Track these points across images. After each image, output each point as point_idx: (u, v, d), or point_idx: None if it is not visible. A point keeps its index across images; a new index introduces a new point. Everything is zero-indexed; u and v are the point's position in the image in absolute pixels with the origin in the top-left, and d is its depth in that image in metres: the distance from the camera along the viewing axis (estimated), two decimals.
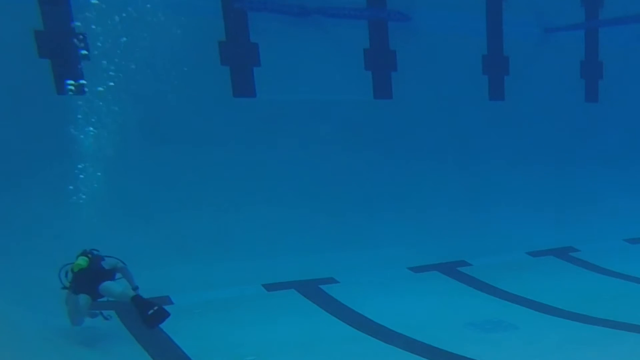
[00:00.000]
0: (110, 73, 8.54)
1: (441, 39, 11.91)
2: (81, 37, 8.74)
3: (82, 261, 7.46)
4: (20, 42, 8.95)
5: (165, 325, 7.98)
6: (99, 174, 8.89)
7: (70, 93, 8.67)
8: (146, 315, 7.25)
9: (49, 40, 8.92)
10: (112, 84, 8.44)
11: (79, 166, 8.78)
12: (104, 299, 7.50)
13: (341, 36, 11.22)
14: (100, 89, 8.36)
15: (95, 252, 7.69)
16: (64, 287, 7.44)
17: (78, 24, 8.70)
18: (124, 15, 8.76)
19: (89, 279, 7.38)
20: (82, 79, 8.67)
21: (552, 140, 13.16)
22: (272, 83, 10.79)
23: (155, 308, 7.30)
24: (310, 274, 9.98)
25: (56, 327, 7.45)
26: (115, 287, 7.48)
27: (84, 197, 8.50)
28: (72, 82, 8.66)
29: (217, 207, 10.26)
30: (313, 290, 9.58)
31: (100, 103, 8.26)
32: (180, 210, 9.96)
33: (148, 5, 9.61)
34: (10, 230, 8.57)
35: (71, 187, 8.72)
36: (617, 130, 13.72)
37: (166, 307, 8.62)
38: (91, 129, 8.24)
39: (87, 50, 8.82)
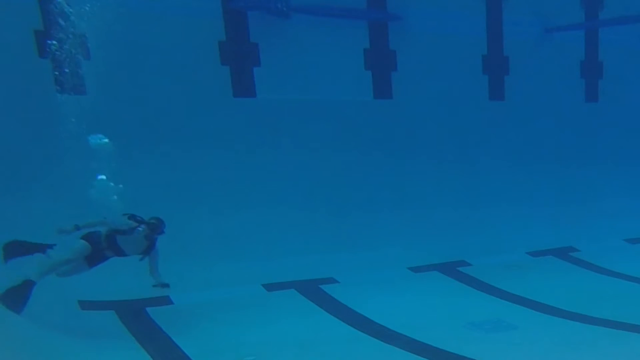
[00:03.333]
0: (110, 73, 8.54)
1: (441, 39, 11.91)
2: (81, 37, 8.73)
3: None
4: (21, 42, 8.96)
5: (165, 325, 8.02)
6: (98, 174, 8.89)
7: (70, 93, 8.66)
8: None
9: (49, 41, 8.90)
10: (111, 83, 8.44)
11: (79, 166, 8.77)
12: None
13: (341, 36, 11.22)
14: (100, 89, 8.36)
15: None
16: None
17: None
18: (122, 15, 8.76)
19: None
20: (82, 79, 8.66)
21: (552, 140, 13.16)
22: (272, 83, 10.79)
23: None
24: (310, 274, 9.98)
25: (56, 327, 7.45)
26: None
27: (83, 197, 8.48)
28: (71, 81, 8.65)
29: (217, 207, 10.26)
30: (313, 290, 9.58)
31: (100, 103, 8.26)
32: (180, 210, 9.94)
33: (147, 6, 9.63)
34: (10, 230, 8.56)
35: (71, 187, 8.72)
36: (617, 130, 13.73)
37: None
38: (90, 129, 8.22)
39: (87, 50, 8.81)
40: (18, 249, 7.74)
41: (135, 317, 8.30)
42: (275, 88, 10.83)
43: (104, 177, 8.09)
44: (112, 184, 8.03)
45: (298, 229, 10.55)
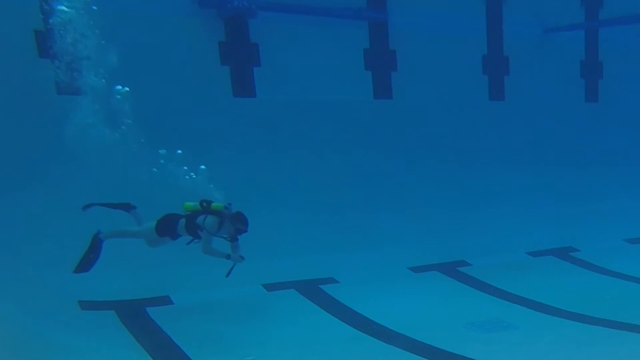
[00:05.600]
0: (110, 73, 8.52)
1: (442, 39, 11.91)
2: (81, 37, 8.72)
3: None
4: (21, 41, 8.96)
5: (165, 325, 8.02)
6: (98, 174, 8.89)
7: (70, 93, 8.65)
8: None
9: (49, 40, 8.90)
10: (111, 83, 8.43)
11: (79, 167, 8.78)
12: None
13: (341, 36, 11.22)
14: (100, 88, 8.35)
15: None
16: None
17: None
18: (122, 15, 8.75)
19: None
20: (82, 78, 8.65)
21: (552, 140, 13.16)
22: (272, 83, 10.79)
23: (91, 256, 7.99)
24: (310, 274, 9.97)
25: (55, 327, 7.45)
26: None
27: (84, 197, 8.48)
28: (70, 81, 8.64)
29: None
30: (313, 290, 9.57)
31: (100, 103, 8.25)
32: (179, 210, 9.94)
33: (147, 6, 9.63)
34: (11, 231, 8.57)
35: (71, 187, 8.72)
36: (617, 130, 13.72)
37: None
38: (90, 129, 8.23)
39: (87, 50, 8.80)
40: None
41: (135, 317, 8.29)
42: (275, 88, 10.83)
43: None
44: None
45: (298, 229, 10.54)
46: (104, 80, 8.22)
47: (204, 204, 8.03)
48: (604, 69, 13.69)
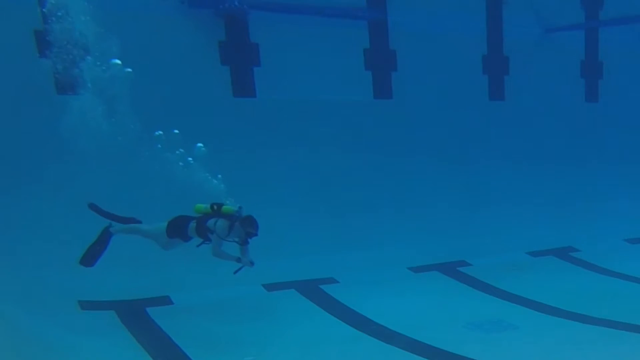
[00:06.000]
0: (110, 72, 8.53)
1: (441, 39, 11.91)
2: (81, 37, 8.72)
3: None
4: (21, 42, 8.96)
5: (165, 325, 8.02)
6: (97, 174, 8.89)
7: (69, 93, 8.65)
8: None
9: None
10: (111, 83, 8.43)
11: (79, 166, 8.77)
12: None
13: (341, 36, 11.22)
14: (100, 88, 8.35)
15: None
16: None
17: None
18: (122, 15, 8.75)
19: None
20: (82, 78, 8.66)
21: (552, 140, 13.16)
22: (272, 83, 10.79)
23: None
24: (310, 274, 9.98)
25: (55, 327, 7.45)
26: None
27: (84, 197, 8.47)
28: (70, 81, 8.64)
29: None
30: (313, 290, 9.57)
31: (99, 103, 8.25)
32: (180, 211, 9.93)
33: (147, 6, 9.63)
34: (11, 230, 8.57)
35: (71, 187, 8.72)
36: (617, 130, 13.73)
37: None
38: (89, 129, 8.22)
39: (87, 50, 8.81)
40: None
41: (135, 317, 8.30)
42: (275, 88, 10.82)
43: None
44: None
45: (298, 229, 10.54)
46: (103, 80, 8.21)
47: (215, 207, 7.98)
48: (604, 69, 13.69)
